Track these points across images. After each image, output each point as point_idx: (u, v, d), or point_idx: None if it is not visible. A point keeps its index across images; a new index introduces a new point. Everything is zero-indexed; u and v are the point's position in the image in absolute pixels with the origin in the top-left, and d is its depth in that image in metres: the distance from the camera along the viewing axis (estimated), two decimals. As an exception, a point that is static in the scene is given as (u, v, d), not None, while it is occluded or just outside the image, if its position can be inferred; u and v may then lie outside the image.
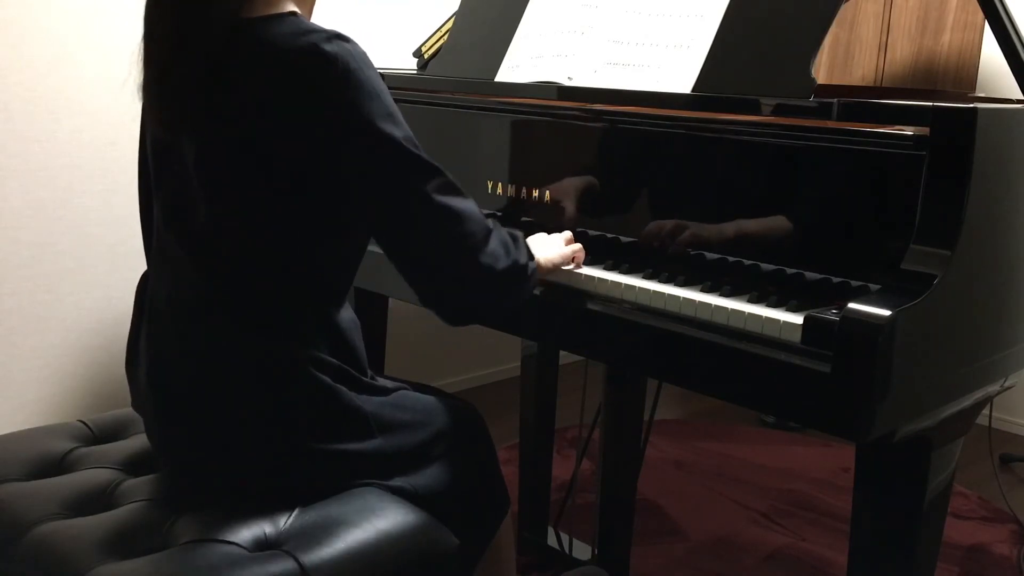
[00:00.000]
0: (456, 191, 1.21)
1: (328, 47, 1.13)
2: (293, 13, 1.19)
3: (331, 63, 1.12)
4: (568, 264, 1.45)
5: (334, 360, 1.25)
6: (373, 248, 1.27)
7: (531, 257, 1.31)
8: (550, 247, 1.43)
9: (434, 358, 3.05)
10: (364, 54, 1.16)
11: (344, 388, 1.24)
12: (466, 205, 1.21)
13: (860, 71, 2.72)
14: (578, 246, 1.46)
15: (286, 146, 1.15)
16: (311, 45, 1.13)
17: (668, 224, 1.44)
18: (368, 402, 1.27)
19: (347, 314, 1.30)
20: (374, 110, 1.15)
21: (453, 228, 1.19)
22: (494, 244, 1.23)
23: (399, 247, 1.22)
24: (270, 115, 1.14)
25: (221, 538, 1.14)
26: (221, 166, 1.18)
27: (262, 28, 1.16)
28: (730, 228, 1.38)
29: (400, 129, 1.17)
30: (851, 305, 1.10)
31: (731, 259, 1.37)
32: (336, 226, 1.22)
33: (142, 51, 1.19)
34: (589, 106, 1.55)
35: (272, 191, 1.17)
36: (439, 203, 1.18)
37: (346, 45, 1.14)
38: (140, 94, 1.21)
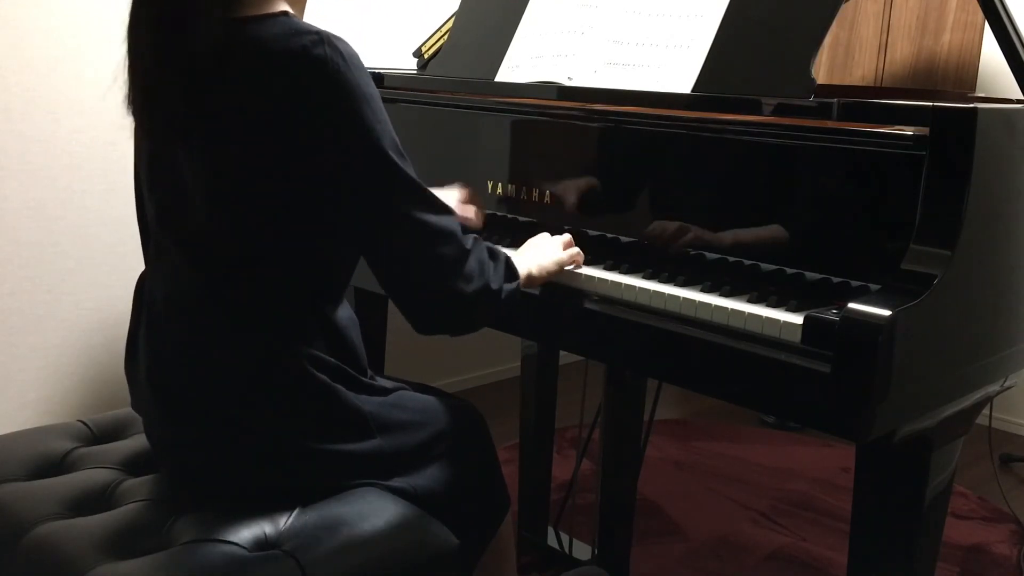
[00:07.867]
0: (436, 208, 1.20)
1: (318, 51, 1.12)
2: (285, 13, 1.18)
3: (322, 67, 1.11)
4: (567, 266, 1.44)
5: (332, 359, 1.24)
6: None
7: (511, 277, 1.29)
8: (547, 253, 1.42)
9: (434, 358, 3.05)
10: (355, 55, 1.15)
11: (343, 388, 1.24)
12: (444, 223, 1.20)
13: (860, 71, 2.72)
14: (576, 250, 1.45)
15: (277, 149, 1.14)
16: (302, 48, 1.12)
17: (670, 225, 1.44)
18: (367, 402, 1.27)
19: (345, 312, 1.30)
20: (363, 115, 1.14)
21: (427, 248, 1.19)
22: (469, 266, 1.21)
23: (375, 258, 1.21)
24: (262, 118, 1.14)
25: (221, 538, 1.14)
26: (215, 168, 1.17)
27: (253, 29, 1.15)
28: (730, 228, 1.38)
29: (387, 137, 1.16)
30: (851, 305, 1.10)
31: (731, 259, 1.37)
32: (330, 226, 1.22)
33: (127, 65, 1.18)
34: (589, 106, 1.55)
35: (265, 193, 1.17)
36: (416, 220, 1.18)
37: (337, 47, 1.13)
38: (127, 108, 1.20)
